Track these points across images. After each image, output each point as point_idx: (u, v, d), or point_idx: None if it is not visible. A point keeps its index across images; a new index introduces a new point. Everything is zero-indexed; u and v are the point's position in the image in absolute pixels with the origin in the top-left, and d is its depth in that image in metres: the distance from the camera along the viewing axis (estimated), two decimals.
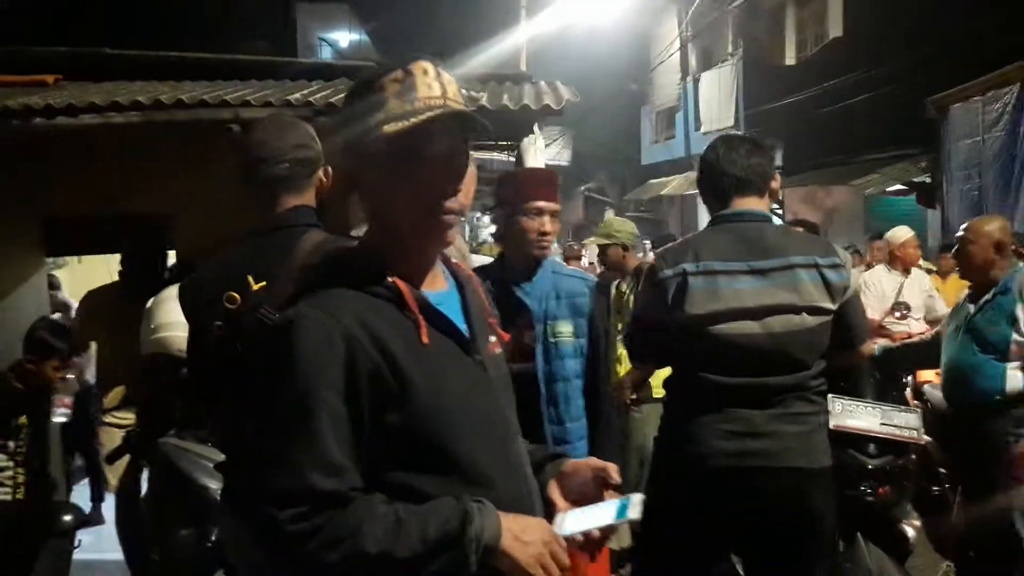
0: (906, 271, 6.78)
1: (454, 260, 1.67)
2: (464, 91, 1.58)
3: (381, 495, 1.33)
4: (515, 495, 1.47)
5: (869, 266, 8.72)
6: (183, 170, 5.08)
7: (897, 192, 12.76)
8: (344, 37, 24.23)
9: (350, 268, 1.46)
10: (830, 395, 3.14)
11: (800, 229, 4.89)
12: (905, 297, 6.57)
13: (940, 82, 10.32)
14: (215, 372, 2.34)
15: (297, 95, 4.75)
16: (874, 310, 6.25)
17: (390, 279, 1.43)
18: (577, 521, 1.55)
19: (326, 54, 21.56)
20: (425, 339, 1.41)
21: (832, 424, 3.22)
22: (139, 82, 5.66)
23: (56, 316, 6.90)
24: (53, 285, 7.00)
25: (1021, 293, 3.54)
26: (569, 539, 1.50)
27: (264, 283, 2.24)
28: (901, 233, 6.95)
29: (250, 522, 1.33)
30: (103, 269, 7.14)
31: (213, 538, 3.23)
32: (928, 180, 11.60)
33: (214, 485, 3.27)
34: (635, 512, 1.54)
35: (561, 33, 16.55)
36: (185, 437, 3.50)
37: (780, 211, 14.37)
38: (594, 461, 1.65)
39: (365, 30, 24.74)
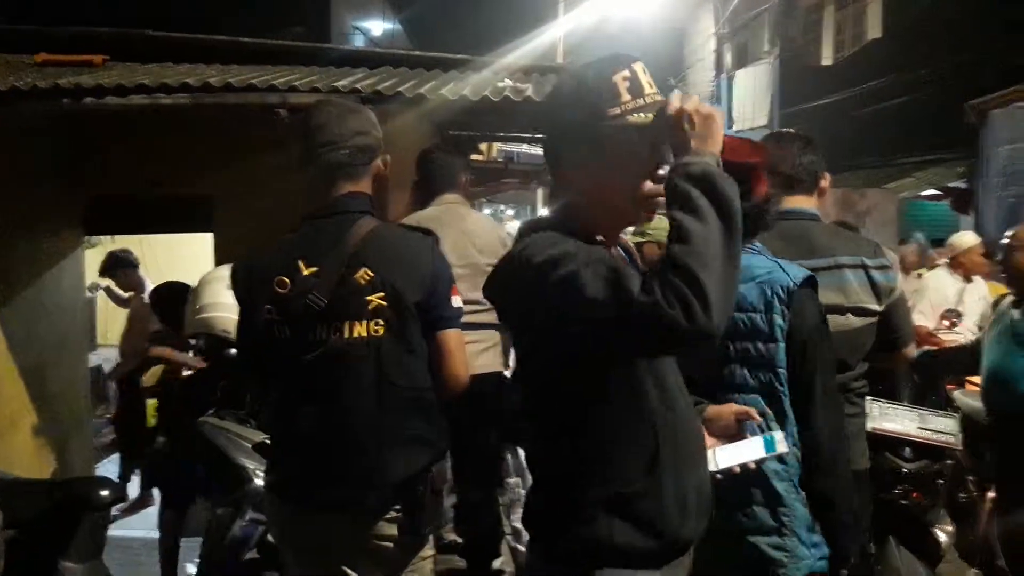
0: (967, 278, 6.50)
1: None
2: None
3: None
4: (691, 418, 1.74)
5: (908, 270, 8.65)
6: (228, 154, 5.14)
7: (931, 196, 12.64)
8: (378, 26, 24.29)
9: (570, 229, 1.62)
10: (868, 397, 3.13)
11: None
12: (965, 304, 6.29)
13: (980, 87, 10.20)
14: (262, 353, 2.38)
15: (344, 82, 4.77)
16: (927, 316, 6.05)
17: (599, 239, 1.65)
18: (730, 456, 1.80)
19: (359, 42, 21.63)
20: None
21: (869, 427, 3.23)
22: (184, 65, 5.71)
23: (128, 294, 6.96)
24: (132, 263, 6.86)
25: None
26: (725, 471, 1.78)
27: (315, 268, 2.28)
28: (967, 239, 6.69)
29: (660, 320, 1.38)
30: (137, 250, 7.22)
31: (248, 517, 3.27)
32: (963, 185, 11.48)
33: (251, 464, 3.32)
34: (782, 446, 1.85)
35: (597, 28, 16.50)
36: (224, 417, 3.55)
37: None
38: (734, 406, 1.91)
39: (399, 19, 24.79)
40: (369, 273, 2.28)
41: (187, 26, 6.50)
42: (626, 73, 1.59)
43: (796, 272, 2.27)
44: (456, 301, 2.44)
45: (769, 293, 2.23)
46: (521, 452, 4.12)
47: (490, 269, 3.61)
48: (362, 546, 2.32)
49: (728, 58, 17.90)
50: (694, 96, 1.57)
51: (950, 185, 11.86)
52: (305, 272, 2.27)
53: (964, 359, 4.16)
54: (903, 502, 3.36)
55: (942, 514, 3.88)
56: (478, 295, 3.62)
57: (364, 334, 2.28)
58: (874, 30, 14.14)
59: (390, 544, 2.32)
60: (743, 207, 1.46)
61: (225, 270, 3.61)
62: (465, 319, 3.50)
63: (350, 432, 2.29)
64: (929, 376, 4.97)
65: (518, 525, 4.11)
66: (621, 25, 16.99)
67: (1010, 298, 3.84)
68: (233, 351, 3.45)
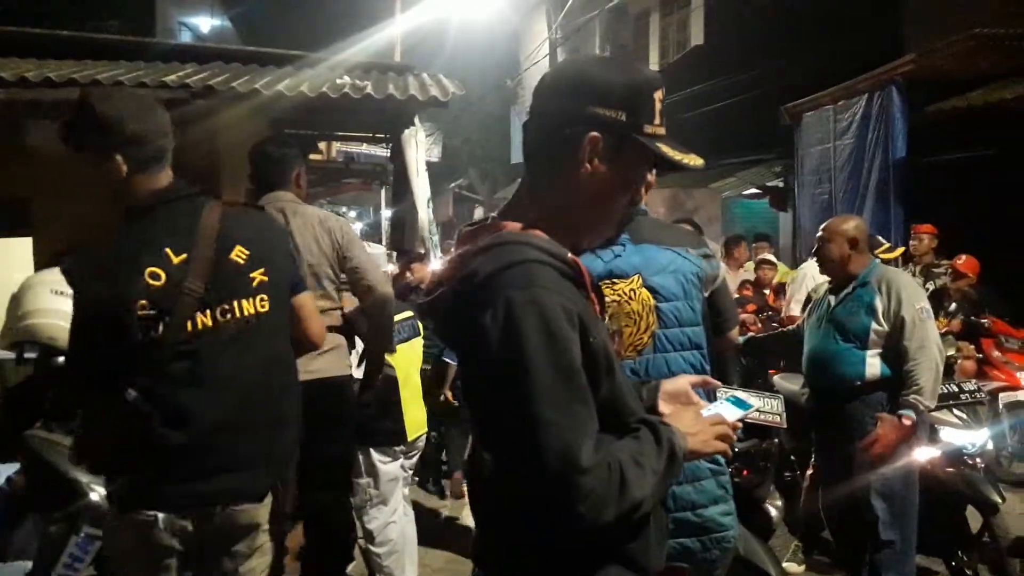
0: None
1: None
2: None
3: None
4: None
5: (736, 266, 9.15)
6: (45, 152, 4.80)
7: (752, 195, 13.39)
8: (205, 22, 23.40)
9: (537, 246, 1.47)
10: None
11: (686, 225, 5.13)
12: None
13: (795, 91, 10.89)
14: (117, 355, 2.22)
15: (173, 77, 4.57)
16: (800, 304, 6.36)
17: (570, 258, 1.50)
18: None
19: (186, 38, 20.74)
20: (600, 314, 1.55)
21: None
22: None
23: None
24: None
25: (879, 286, 3.81)
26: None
27: (185, 255, 2.18)
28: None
29: (539, 491, 1.34)
30: None
31: (84, 533, 3.11)
32: (781, 184, 12.23)
33: (85, 479, 3.14)
34: (755, 401, 1.87)
35: (434, 28, 16.52)
36: (53, 429, 3.34)
37: (647, 211, 14.83)
38: (690, 377, 1.87)
39: (228, 16, 23.95)
40: (244, 251, 2.31)
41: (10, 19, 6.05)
42: (661, 95, 1.54)
43: (692, 258, 2.56)
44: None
45: (684, 281, 2.48)
46: (373, 452, 4.06)
47: (317, 268, 3.51)
48: (234, 538, 2.29)
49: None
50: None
51: (769, 184, 12.62)
52: (175, 260, 2.21)
53: (788, 342, 4.44)
54: (735, 480, 3.54)
55: (772, 490, 4.13)
56: None
57: (252, 311, 2.31)
58: (697, 37, 14.88)
59: (258, 530, 2.31)
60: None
61: (49, 274, 3.38)
62: None
63: (248, 414, 2.27)
64: (757, 359, 5.28)
65: (371, 527, 4.06)
66: (458, 26, 17.08)
67: (827, 286, 4.13)
68: (61, 359, 3.23)
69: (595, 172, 1.50)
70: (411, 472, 4.60)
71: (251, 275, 2.31)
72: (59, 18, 7.23)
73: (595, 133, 1.47)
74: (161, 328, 2.18)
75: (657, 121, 1.52)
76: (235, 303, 2.28)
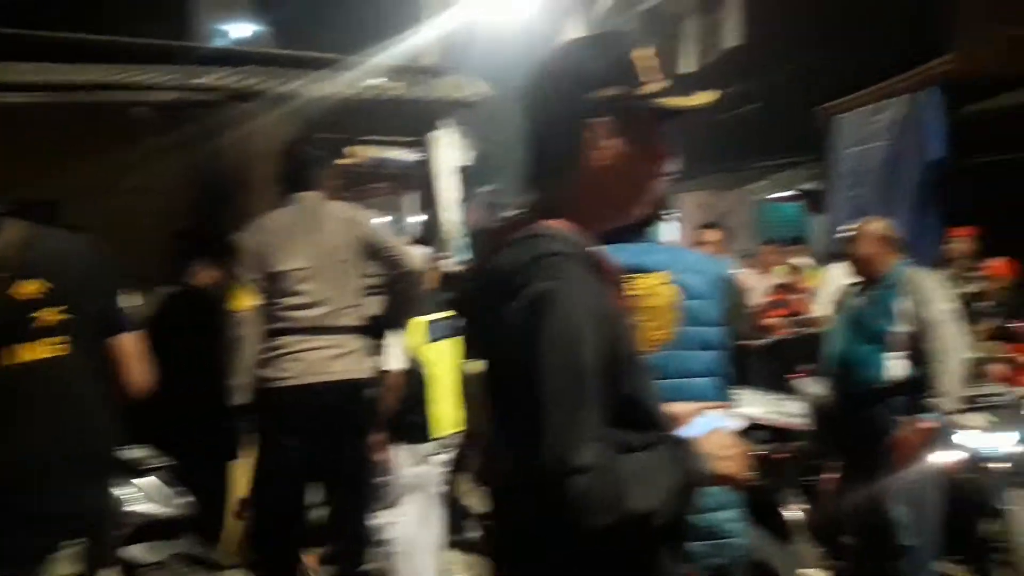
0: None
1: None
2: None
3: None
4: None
5: (765, 269, 9.10)
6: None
7: (785, 198, 13.25)
8: (244, 28, 23.66)
9: (563, 239, 1.46)
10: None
11: (716, 231, 5.18)
12: None
13: (830, 92, 10.76)
14: None
15: (204, 79, 4.66)
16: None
17: (590, 249, 1.49)
18: None
19: (220, 43, 20.98)
20: (622, 308, 1.52)
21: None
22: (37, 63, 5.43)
23: None
24: None
25: (904, 287, 3.78)
26: None
27: None
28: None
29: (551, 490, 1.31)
30: None
31: None
32: (816, 187, 12.09)
33: None
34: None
35: (470, 32, 16.55)
36: None
37: (678, 215, 14.77)
38: (695, 405, 1.76)
39: (266, 20, 24.22)
40: (44, 284, 2.06)
41: (33, 23, 6.17)
42: (644, 52, 1.53)
43: (720, 263, 2.69)
44: (124, 304, 2.31)
45: (712, 281, 2.50)
46: (398, 450, 4.08)
47: (342, 267, 3.46)
48: None
49: None
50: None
51: (803, 187, 12.47)
52: None
53: (813, 345, 4.42)
54: (755, 484, 3.53)
55: (794, 495, 4.11)
56: (328, 295, 3.53)
57: (46, 355, 2.05)
58: (733, 38, 14.77)
59: None
60: None
61: None
62: (318, 323, 3.46)
63: (30, 472, 2.03)
64: (782, 362, 5.25)
65: (374, 523, 4.05)
66: (495, 31, 17.11)
67: (853, 288, 4.11)
68: None
69: (611, 153, 1.50)
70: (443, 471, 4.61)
71: (44, 313, 2.05)
72: (95, 22, 7.34)
73: (598, 118, 1.48)
74: None
75: (647, 78, 1.51)
76: (16, 348, 2.02)
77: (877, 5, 10.70)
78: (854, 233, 4.00)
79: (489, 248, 1.52)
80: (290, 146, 3.85)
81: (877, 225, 3.97)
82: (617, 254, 1.82)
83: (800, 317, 7.27)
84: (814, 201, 12.12)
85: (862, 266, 3.95)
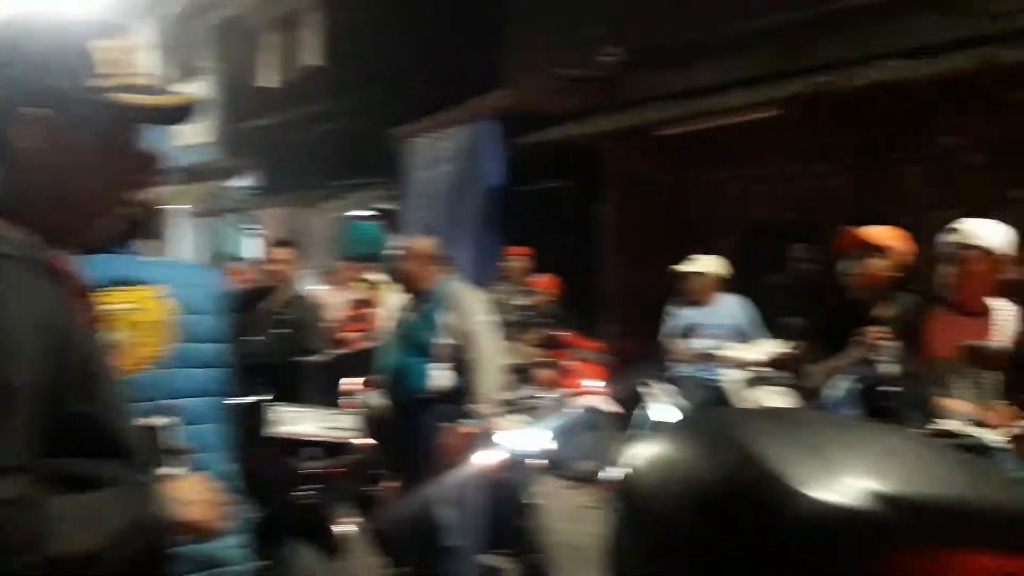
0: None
1: None
2: None
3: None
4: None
5: (342, 285, 9.19)
6: None
7: (364, 217, 13.59)
8: None
9: (15, 243, 1.27)
10: (266, 403, 3.21)
11: (286, 248, 5.06)
12: None
13: (404, 117, 11.23)
14: None
15: None
16: None
17: (51, 255, 1.31)
18: None
19: None
20: (87, 321, 1.35)
21: (269, 432, 3.30)
22: None
23: None
24: None
25: (445, 301, 3.98)
26: None
27: None
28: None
29: None
30: None
31: None
32: (392, 207, 12.53)
33: None
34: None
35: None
36: None
37: (259, 231, 14.49)
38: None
39: None
40: None
41: None
42: (110, 43, 1.36)
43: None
44: None
45: (211, 296, 2.36)
46: None
47: None
48: None
49: (172, 71, 17.37)
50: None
51: (380, 207, 12.88)
52: None
53: (365, 358, 4.50)
54: (305, 502, 3.47)
55: (347, 509, 4.12)
56: None
57: None
58: (314, 57, 14.83)
59: None
60: None
61: None
62: None
63: None
64: (333, 376, 5.28)
65: None
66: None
67: (407, 302, 4.24)
68: None
69: (50, 149, 1.32)
70: None
71: None
72: None
73: (34, 109, 1.30)
74: None
75: (107, 71, 1.35)
76: None
77: (445, 37, 11.37)
78: (402, 251, 4.12)
79: None
80: None
81: (422, 243, 4.15)
82: (96, 264, 1.63)
83: (373, 331, 7.44)
84: (391, 221, 12.57)
85: (409, 282, 4.10)
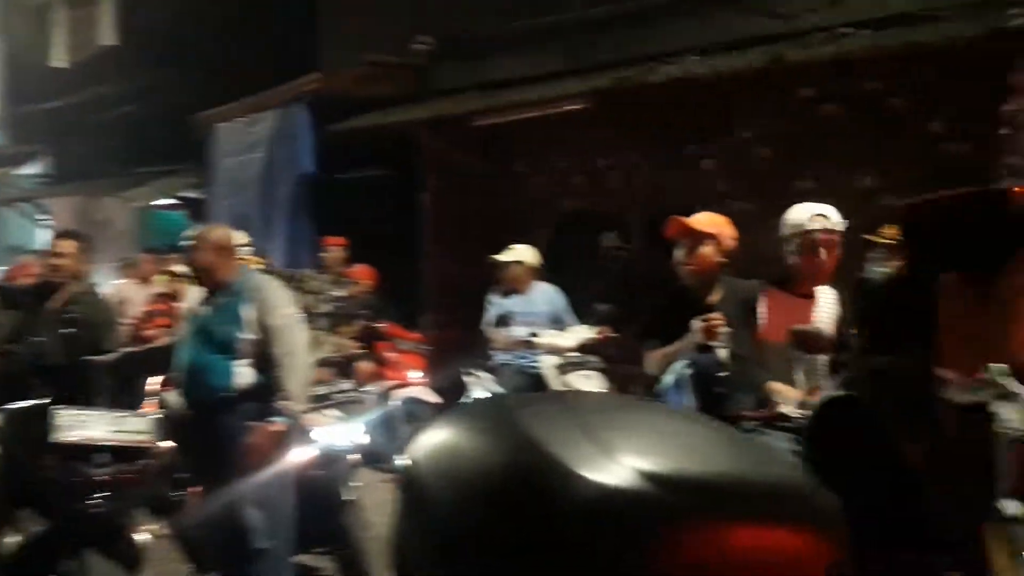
0: None
1: None
2: None
3: None
4: None
5: (144, 279, 8.70)
6: None
7: (168, 206, 12.92)
8: None
9: None
10: (52, 407, 2.99)
11: (72, 241, 4.67)
12: None
13: (209, 101, 10.70)
14: None
15: None
16: None
17: None
18: None
19: None
20: None
21: (55, 438, 3.07)
22: None
23: None
24: None
25: (248, 295, 3.80)
26: None
27: None
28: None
29: None
30: None
31: None
32: (197, 196, 11.95)
33: None
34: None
35: None
36: None
37: (50, 222, 13.46)
38: None
39: None
40: None
41: None
42: None
43: None
44: None
45: None
46: None
47: None
48: None
49: None
50: None
51: (184, 195, 12.25)
52: None
53: (160, 356, 4.26)
54: (97, 511, 3.25)
55: (145, 515, 3.91)
56: None
57: None
58: (109, 36, 13.91)
59: None
60: None
61: None
62: None
63: None
64: (129, 376, 4.99)
65: None
66: None
67: (203, 295, 4.03)
68: None
69: None
70: None
71: None
72: None
73: None
74: None
75: None
76: None
77: (255, 18, 10.93)
78: (193, 242, 3.91)
79: None
80: None
81: (216, 233, 3.95)
82: None
83: (175, 327, 7.08)
84: (196, 210, 11.99)
85: (204, 275, 3.90)
